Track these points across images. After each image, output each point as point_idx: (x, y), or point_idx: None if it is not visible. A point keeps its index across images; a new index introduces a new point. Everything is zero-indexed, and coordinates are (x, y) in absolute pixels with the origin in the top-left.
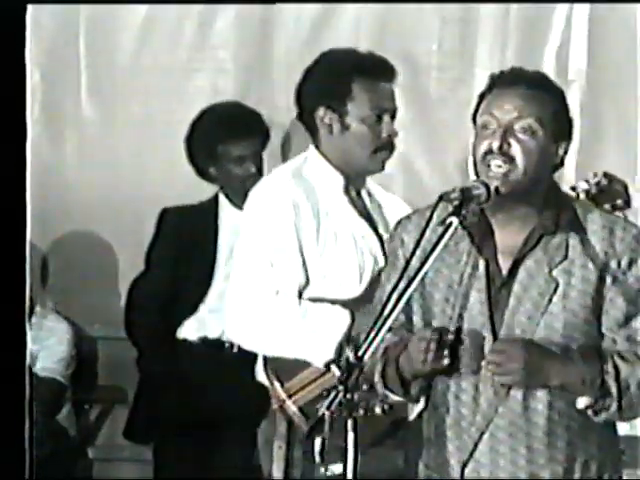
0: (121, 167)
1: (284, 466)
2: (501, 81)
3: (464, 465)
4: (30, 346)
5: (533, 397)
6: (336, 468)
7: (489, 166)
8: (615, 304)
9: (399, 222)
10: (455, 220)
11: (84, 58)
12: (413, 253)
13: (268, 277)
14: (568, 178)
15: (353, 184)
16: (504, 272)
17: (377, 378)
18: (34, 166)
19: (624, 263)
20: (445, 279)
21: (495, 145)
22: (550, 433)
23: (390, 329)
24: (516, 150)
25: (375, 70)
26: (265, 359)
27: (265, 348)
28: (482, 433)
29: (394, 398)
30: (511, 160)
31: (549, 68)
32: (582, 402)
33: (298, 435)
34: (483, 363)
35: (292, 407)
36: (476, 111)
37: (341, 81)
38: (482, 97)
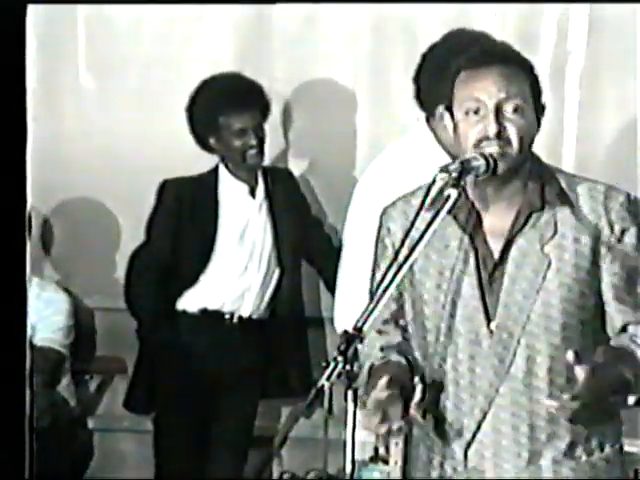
0: (120, 137)
1: (402, 463)
2: (472, 62)
3: (467, 447)
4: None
5: (534, 375)
6: None
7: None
8: (613, 273)
9: (384, 211)
10: (454, 192)
11: (82, 28)
12: (407, 235)
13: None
14: (569, 149)
15: None
16: (496, 255)
17: (361, 392)
18: (33, 137)
19: (617, 231)
20: (435, 266)
21: (492, 131)
22: None
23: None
24: (512, 131)
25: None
26: None
27: None
28: (485, 414)
29: None
30: (508, 142)
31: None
32: (632, 399)
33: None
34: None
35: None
36: (451, 94)
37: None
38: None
